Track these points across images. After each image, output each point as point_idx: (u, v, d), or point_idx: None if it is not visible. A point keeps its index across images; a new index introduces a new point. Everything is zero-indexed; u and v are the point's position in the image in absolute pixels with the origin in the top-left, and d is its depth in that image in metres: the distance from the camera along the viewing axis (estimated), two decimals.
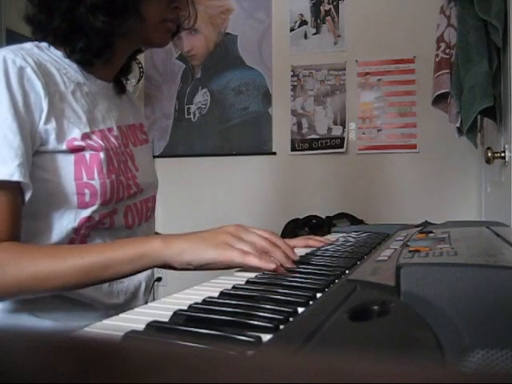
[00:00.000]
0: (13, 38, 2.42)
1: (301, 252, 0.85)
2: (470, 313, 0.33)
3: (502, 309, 0.34)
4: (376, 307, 0.39)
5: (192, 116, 2.85)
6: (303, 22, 2.71)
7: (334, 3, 2.67)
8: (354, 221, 2.49)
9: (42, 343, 0.15)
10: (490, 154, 1.67)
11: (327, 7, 2.68)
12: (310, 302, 0.47)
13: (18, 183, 0.72)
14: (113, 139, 0.87)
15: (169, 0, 0.86)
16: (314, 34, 2.70)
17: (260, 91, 2.76)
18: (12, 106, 0.72)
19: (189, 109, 2.85)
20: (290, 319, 0.40)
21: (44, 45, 0.83)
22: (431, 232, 0.83)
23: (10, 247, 0.70)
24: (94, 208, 0.80)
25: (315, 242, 0.93)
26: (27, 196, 0.74)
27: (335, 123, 2.65)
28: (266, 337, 0.36)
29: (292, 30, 2.73)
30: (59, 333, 0.16)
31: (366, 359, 0.14)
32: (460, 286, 0.41)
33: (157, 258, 0.67)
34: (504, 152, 1.62)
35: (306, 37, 2.71)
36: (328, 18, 2.68)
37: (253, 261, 0.63)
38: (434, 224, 1.09)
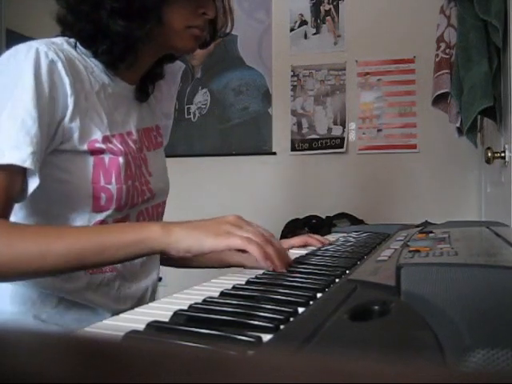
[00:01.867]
0: (13, 38, 2.42)
1: (301, 252, 0.85)
2: (470, 313, 0.33)
3: (502, 309, 0.34)
4: (376, 307, 0.39)
5: (192, 116, 2.85)
6: (303, 22, 2.71)
7: (334, 3, 2.67)
8: (354, 221, 2.49)
9: (42, 343, 0.15)
10: (490, 154, 1.67)
11: (327, 7, 2.68)
12: (311, 302, 0.47)
13: (24, 170, 0.70)
14: (131, 143, 0.86)
15: (195, 6, 0.83)
16: (314, 34, 2.70)
17: (260, 91, 2.76)
18: (36, 95, 0.71)
19: (189, 109, 2.85)
20: (291, 319, 0.40)
21: (73, 41, 0.83)
22: (431, 232, 0.83)
23: (2, 225, 0.67)
24: (108, 212, 0.80)
25: (313, 240, 0.93)
26: (31, 187, 0.71)
27: (335, 123, 2.65)
28: (266, 337, 0.36)
29: (292, 30, 2.73)
30: (59, 333, 0.16)
31: (366, 359, 0.14)
32: (460, 285, 0.41)
33: (155, 245, 0.65)
34: (504, 152, 1.62)
35: (306, 37, 2.71)
36: (328, 18, 2.68)
37: (255, 250, 0.62)
38: (434, 224, 1.09)
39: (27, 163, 0.69)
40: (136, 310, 0.49)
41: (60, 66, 0.75)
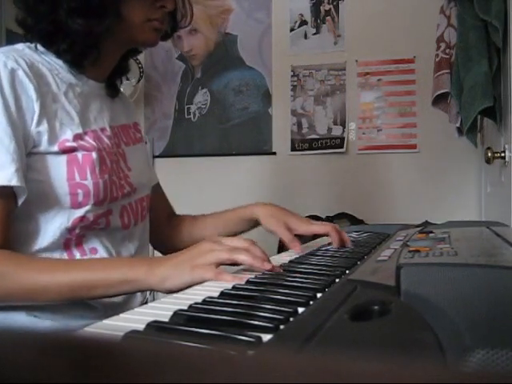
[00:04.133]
0: (13, 38, 2.41)
1: (301, 253, 0.85)
2: (471, 313, 0.33)
3: (502, 309, 0.34)
4: (376, 307, 0.39)
5: (192, 116, 2.85)
6: (303, 22, 2.71)
7: (334, 3, 2.67)
8: (353, 221, 2.49)
9: (41, 343, 0.15)
10: (490, 154, 1.67)
11: (327, 7, 2.68)
12: (311, 302, 0.47)
13: (11, 188, 0.72)
14: (106, 139, 0.87)
15: None
16: (314, 34, 2.70)
17: (260, 91, 2.76)
18: (5, 110, 0.73)
19: (189, 109, 2.85)
20: (291, 319, 0.40)
21: (35, 45, 0.83)
22: (431, 232, 0.83)
23: (8, 258, 0.71)
24: (87, 208, 0.81)
25: (336, 235, 0.89)
26: (21, 200, 0.74)
27: (335, 123, 2.65)
28: (266, 337, 0.36)
29: (292, 30, 2.72)
30: (59, 333, 0.16)
31: (366, 359, 0.14)
32: (460, 285, 0.41)
33: (141, 286, 0.68)
34: (504, 152, 1.62)
35: (306, 37, 2.71)
36: (328, 18, 2.68)
37: (226, 278, 0.62)
38: (434, 224, 1.09)
39: (13, 181, 0.71)
40: (136, 309, 0.49)
41: (21, 73, 0.76)
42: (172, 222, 1.11)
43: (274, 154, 2.73)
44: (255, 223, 1.03)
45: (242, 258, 0.65)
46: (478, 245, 0.67)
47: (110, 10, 0.80)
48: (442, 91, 2.09)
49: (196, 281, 0.65)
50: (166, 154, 2.81)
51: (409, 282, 0.44)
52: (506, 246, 0.61)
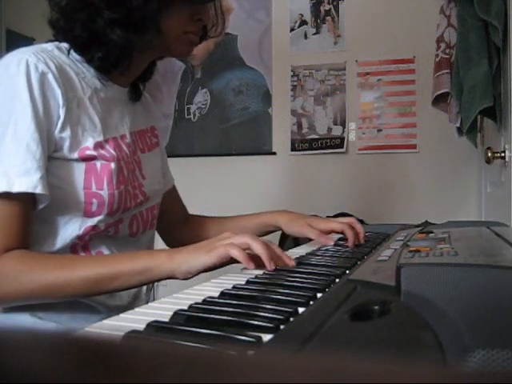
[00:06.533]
0: (13, 38, 2.41)
1: (301, 252, 0.86)
2: (471, 313, 0.33)
3: (503, 309, 0.34)
4: (376, 307, 0.39)
5: (192, 116, 2.85)
6: (303, 22, 2.71)
7: (334, 3, 2.67)
8: None
9: (42, 343, 0.15)
10: (489, 154, 1.67)
11: (327, 7, 2.68)
12: (311, 302, 0.47)
13: (34, 194, 0.72)
14: (125, 147, 0.86)
15: (191, 12, 0.84)
16: (314, 34, 2.70)
17: (260, 91, 2.76)
18: (34, 114, 0.73)
19: (189, 109, 2.85)
20: (291, 319, 0.40)
21: (64, 45, 0.82)
22: (431, 232, 0.83)
23: (23, 257, 0.71)
24: (100, 218, 0.80)
25: (350, 233, 0.91)
26: (41, 206, 0.74)
27: (335, 123, 2.65)
28: (266, 337, 0.36)
29: (292, 29, 2.72)
30: (59, 333, 0.16)
31: (366, 359, 0.14)
32: (460, 285, 0.41)
33: (161, 272, 0.70)
34: (504, 152, 1.62)
35: (306, 37, 2.71)
36: (328, 17, 2.68)
37: (234, 253, 0.66)
38: (434, 224, 1.09)
39: (38, 189, 0.71)
40: (136, 309, 0.49)
41: (51, 77, 0.75)
42: (189, 224, 1.13)
43: (274, 153, 2.73)
44: (274, 229, 1.09)
45: (256, 248, 0.68)
46: (478, 245, 0.67)
47: (150, 23, 0.79)
48: (442, 91, 2.09)
49: (213, 261, 0.68)
50: (166, 154, 2.81)
51: (409, 281, 0.44)
52: (506, 246, 0.61)
